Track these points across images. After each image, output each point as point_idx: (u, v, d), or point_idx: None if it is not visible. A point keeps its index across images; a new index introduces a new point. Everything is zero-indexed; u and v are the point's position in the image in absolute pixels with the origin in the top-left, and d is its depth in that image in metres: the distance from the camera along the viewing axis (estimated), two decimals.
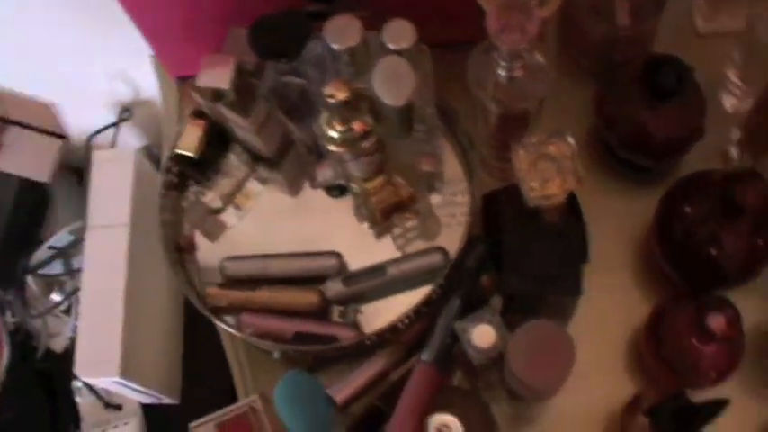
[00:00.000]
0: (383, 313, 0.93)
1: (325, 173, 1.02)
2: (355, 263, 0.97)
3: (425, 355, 0.88)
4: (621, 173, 1.03)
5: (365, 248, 0.98)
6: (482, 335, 0.81)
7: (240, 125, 0.94)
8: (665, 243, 0.93)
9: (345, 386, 0.91)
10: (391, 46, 0.87)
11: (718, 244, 0.88)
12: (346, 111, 0.86)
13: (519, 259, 0.81)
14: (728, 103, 1.05)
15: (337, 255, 0.96)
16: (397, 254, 0.96)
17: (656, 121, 0.94)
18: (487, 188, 0.97)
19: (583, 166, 0.83)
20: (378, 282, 0.93)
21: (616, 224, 1.02)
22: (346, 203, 1.01)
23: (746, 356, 0.91)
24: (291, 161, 1.01)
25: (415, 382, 0.87)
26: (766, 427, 0.94)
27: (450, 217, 0.99)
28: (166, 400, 1.26)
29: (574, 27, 1.04)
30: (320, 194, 1.02)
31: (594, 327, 0.97)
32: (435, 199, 1.00)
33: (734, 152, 1.01)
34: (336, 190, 1.03)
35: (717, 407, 0.79)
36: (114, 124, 1.36)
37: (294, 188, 1.03)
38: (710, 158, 1.02)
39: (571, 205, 0.94)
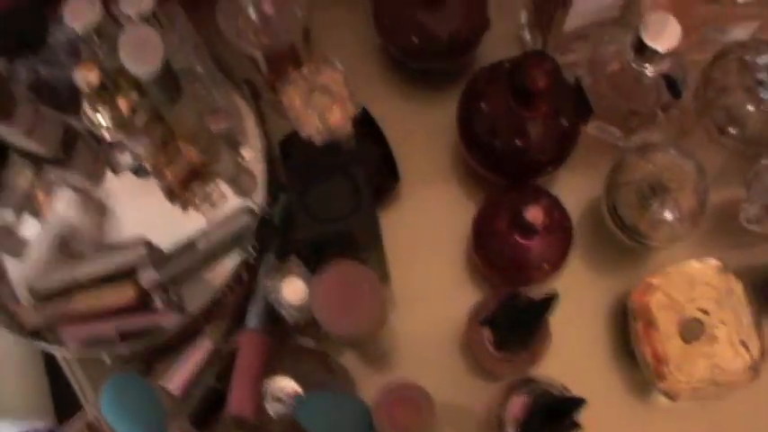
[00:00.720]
0: (206, 287, 0.89)
1: (126, 155, 0.97)
2: (171, 242, 0.92)
3: (249, 322, 0.84)
4: (419, 81, 0.99)
5: (178, 225, 0.92)
6: (292, 289, 0.77)
7: (7, 132, 0.88)
8: (472, 144, 0.89)
9: (177, 374, 0.87)
10: (132, 14, 0.81)
11: (522, 134, 0.85)
12: (106, 92, 0.80)
13: (312, 202, 0.76)
14: None
15: (145, 241, 0.90)
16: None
17: (437, 22, 0.90)
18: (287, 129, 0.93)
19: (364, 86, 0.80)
20: (191, 259, 0.89)
21: (426, 134, 0.98)
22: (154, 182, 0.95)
23: (579, 236, 0.89)
24: (81, 152, 0.95)
25: (244, 352, 0.83)
26: (615, 301, 0.93)
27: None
28: (42, 426, 1.20)
29: None
30: (126, 179, 0.96)
31: (425, 244, 0.94)
32: (247, 154, 0.96)
33: (527, 35, 0.98)
34: (143, 170, 0.97)
35: (547, 302, 0.76)
36: None
37: (94, 179, 0.97)
38: (507, 47, 0.98)
39: (369, 129, 0.90)
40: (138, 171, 0.97)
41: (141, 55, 0.79)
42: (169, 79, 0.83)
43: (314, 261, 0.78)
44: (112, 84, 0.80)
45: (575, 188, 0.94)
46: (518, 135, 0.85)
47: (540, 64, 0.80)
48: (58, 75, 0.88)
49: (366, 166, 0.78)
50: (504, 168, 0.88)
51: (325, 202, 0.75)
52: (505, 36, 0.98)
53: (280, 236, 0.86)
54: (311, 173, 0.77)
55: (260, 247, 0.87)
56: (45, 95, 0.89)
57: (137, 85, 0.83)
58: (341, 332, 0.72)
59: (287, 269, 0.78)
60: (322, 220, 0.74)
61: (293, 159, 0.83)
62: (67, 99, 0.90)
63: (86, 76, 0.78)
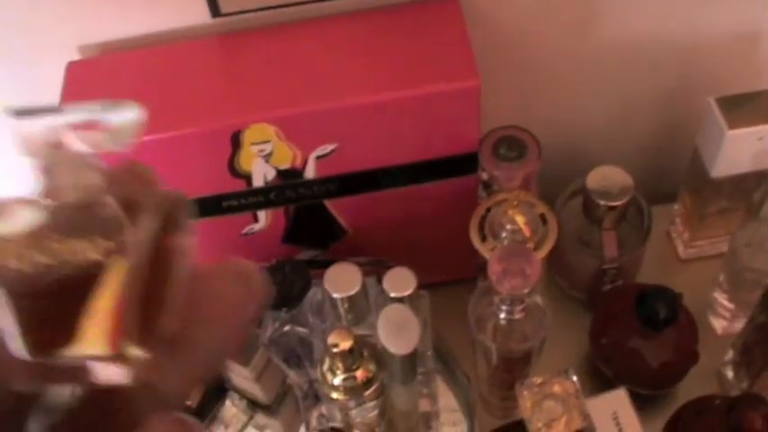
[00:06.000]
0: None
1: (321, 417, 1.01)
2: None
3: None
4: None
5: None
6: None
7: (240, 374, 0.93)
8: None
9: None
10: (392, 294, 0.88)
11: None
12: (349, 359, 0.86)
13: None
14: (718, 324, 1.06)
15: None
16: None
17: (651, 351, 0.96)
18: (487, 426, 0.97)
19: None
20: None
21: None
22: None
23: None
24: (288, 406, 1.00)
25: None
26: None
27: None
28: None
29: (562, 260, 1.06)
30: None
31: None
32: None
33: (729, 373, 1.02)
34: None
35: None
36: None
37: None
38: (706, 381, 1.03)
39: None
40: None
41: (398, 334, 0.85)
42: (411, 361, 0.89)
43: None
44: (359, 353, 0.86)
45: None
46: None
47: (759, 408, 0.85)
48: (298, 331, 0.95)
49: None
50: None
51: None
52: (704, 370, 1.02)
53: None
54: None
55: None
56: (280, 348, 0.95)
57: (378, 359, 0.88)
58: None
59: None
60: None
61: None
62: (296, 354, 0.97)
63: (340, 341, 0.84)
